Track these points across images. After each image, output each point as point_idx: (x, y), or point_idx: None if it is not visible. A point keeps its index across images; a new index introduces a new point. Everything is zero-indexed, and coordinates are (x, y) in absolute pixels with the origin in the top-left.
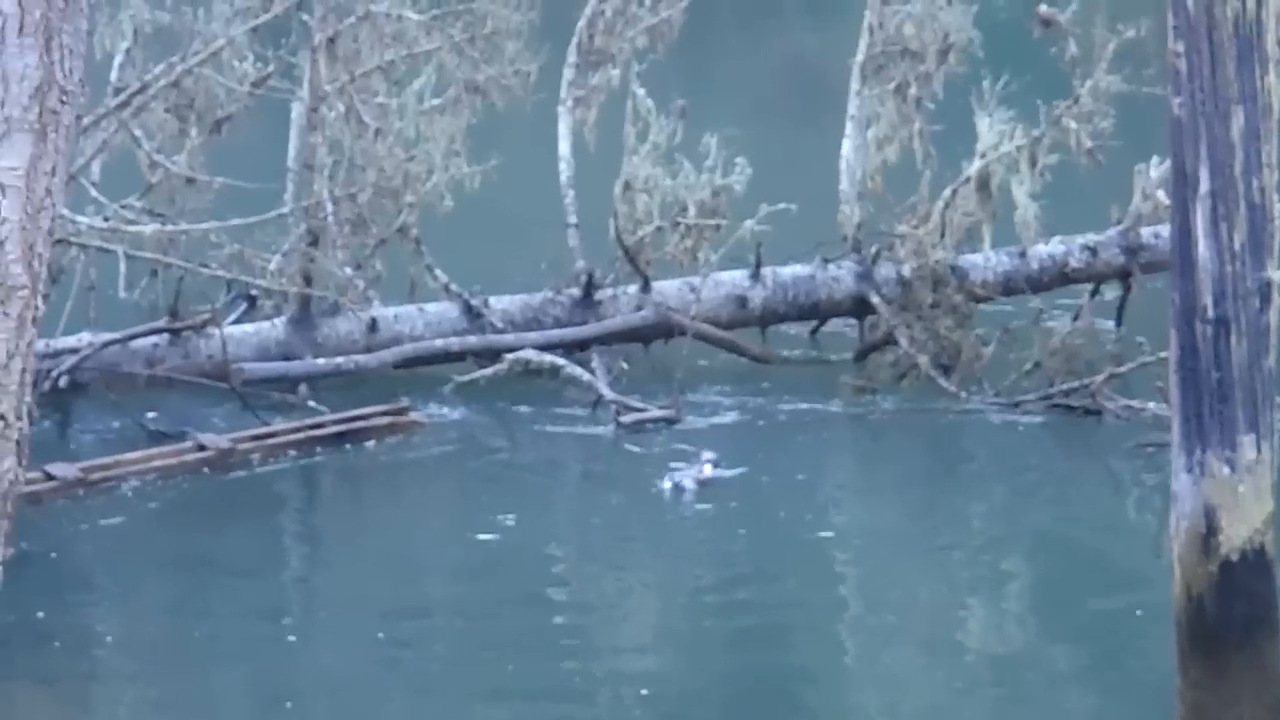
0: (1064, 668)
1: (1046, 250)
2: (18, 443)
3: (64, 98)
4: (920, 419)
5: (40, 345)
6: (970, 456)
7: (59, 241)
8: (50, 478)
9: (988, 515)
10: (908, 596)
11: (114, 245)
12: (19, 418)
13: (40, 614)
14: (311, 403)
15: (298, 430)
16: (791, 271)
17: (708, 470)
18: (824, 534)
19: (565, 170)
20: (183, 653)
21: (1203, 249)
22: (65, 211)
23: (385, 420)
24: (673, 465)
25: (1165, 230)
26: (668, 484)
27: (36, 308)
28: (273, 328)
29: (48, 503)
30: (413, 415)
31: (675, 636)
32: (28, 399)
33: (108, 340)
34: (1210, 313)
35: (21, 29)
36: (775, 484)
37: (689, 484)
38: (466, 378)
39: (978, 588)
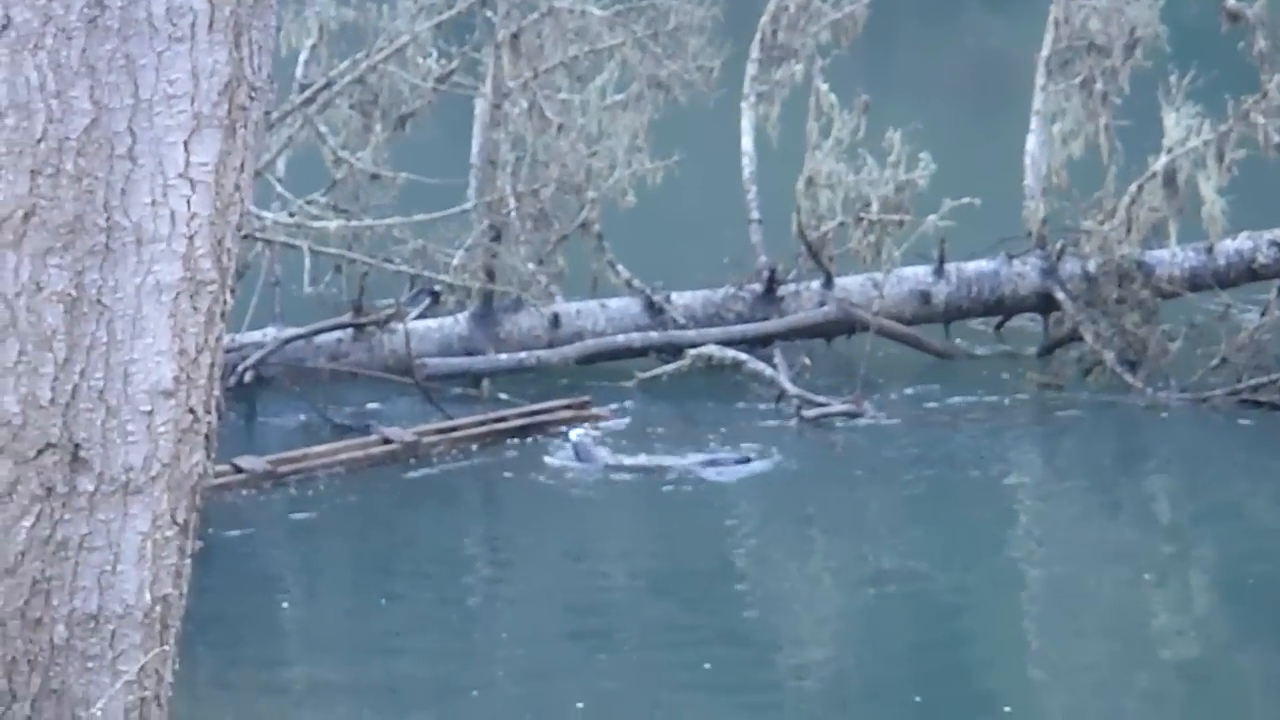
0: (1254, 671)
1: (1234, 246)
2: (206, 436)
3: (252, 94)
4: (1106, 414)
5: (226, 340)
6: (1156, 452)
7: (245, 237)
8: (239, 470)
9: (1174, 511)
10: (1092, 594)
11: (299, 241)
12: (208, 411)
13: (229, 605)
14: (502, 395)
15: (480, 424)
16: (975, 267)
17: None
18: (1008, 528)
19: (748, 166)
20: (368, 642)
21: None
22: (251, 207)
23: (567, 414)
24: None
25: None
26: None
27: (225, 302)
28: (455, 323)
29: (235, 495)
30: (594, 409)
31: (845, 623)
32: (216, 393)
33: (292, 335)
34: None
35: (211, 25)
36: (960, 479)
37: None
38: (648, 373)
39: (1164, 585)
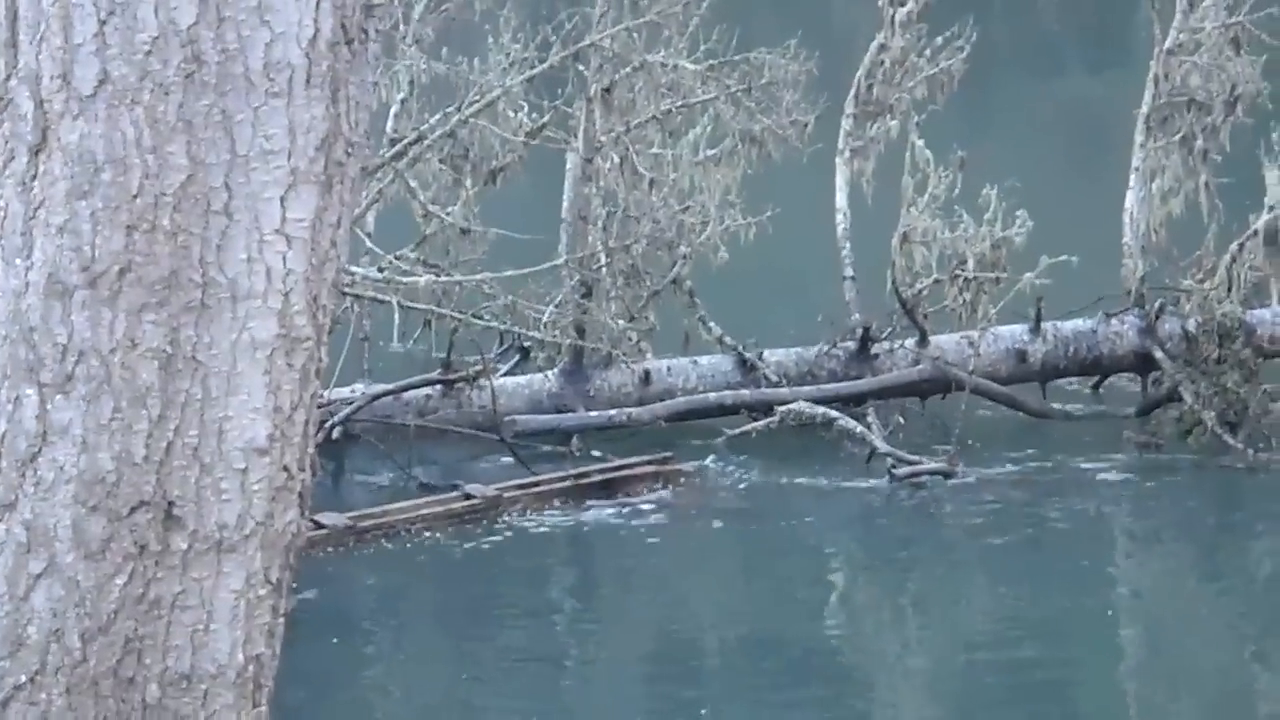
0: None
1: None
2: (300, 494)
3: (349, 149)
4: (1206, 475)
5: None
6: (1258, 515)
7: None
8: (320, 526)
9: (1274, 575)
10: (1189, 658)
11: (388, 296)
12: (301, 469)
13: (313, 663)
14: (595, 452)
15: (563, 480)
16: (1073, 326)
17: None
18: (1106, 589)
19: (842, 222)
20: (450, 700)
21: None
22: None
23: (649, 469)
24: None
25: None
26: None
27: (319, 359)
28: (545, 379)
29: (318, 551)
30: (676, 465)
31: (938, 688)
32: (310, 450)
33: (381, 391)
34: None
35: (309, 80)
36: (1056, 539)
37: None
38: (738, 430)
39: (1264, 651)
